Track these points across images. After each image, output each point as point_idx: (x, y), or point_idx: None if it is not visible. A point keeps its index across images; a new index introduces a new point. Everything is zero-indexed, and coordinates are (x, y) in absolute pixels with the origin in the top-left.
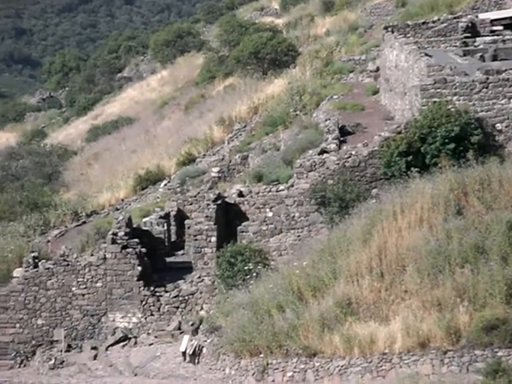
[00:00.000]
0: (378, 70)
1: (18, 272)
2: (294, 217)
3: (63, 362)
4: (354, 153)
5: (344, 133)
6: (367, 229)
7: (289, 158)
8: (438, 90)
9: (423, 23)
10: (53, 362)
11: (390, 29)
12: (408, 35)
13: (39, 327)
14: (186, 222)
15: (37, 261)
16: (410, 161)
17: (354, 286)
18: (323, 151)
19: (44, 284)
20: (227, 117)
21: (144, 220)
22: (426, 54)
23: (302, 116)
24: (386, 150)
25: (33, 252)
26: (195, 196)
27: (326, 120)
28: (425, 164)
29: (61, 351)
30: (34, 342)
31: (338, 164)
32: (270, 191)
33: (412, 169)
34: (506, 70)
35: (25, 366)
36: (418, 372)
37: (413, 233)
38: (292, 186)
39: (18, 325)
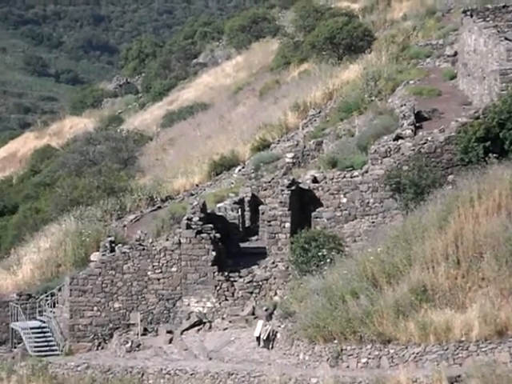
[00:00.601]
0: (455, 54)
1: (95, 256)
2: (368, 203)
3: (139, 345)
4: (429, 139)
5: (420, 118)
6: (443, 215)
7: (363, 144)
8: None
9: (503, 7)
10: (129, 344)
11: (468, 12)
12: (487, 19)
13: (116, 310)
14: (260, 207)
15: (113, 245)
16: (488, 146)
17: (430, 273)
18: (398, 137)
19: (120, 268)
20: (302, 102)
21: (218, 205)
22: (506, 38)
23: (377, 102)
24: (463, 136)
25: (109, 236)
26: (269, 182)
27: (401, 105)
28: (503, 150)
29: (137, 334)
30: (111, 325)
31: (413, 150)
32: (344, 177)
33: (490, 155)
34: None
35: (102, 348)
36: (495, 360)
37: (490, 219)
38: (366, 171)
39: (95, 308)
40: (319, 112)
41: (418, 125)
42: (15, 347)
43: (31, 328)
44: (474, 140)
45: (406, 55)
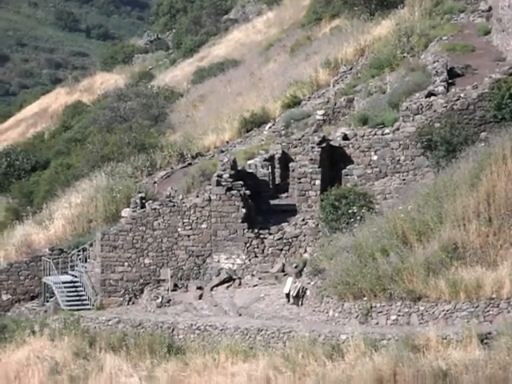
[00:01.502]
0: (490, 9)
1: (125, 212)
2: (399, 160)
3: (170, 300)
4: (462, 95)
5: (453, 75)
6: (475, 173)
7: (395, 101)
8: None
9: None
10: (160, 300)
11: None
12: None
13: (147, 266)
14: (291, 164)
15: (144, 201)
16: None
17: (461, 231)
18: (430, 94)
19: (151, 224)
20: (333, 59)
21: (249, 162)
22: None
23: (410, 58)
24: (496, 93)
25: (140, 192)
26: (300, 139)
27: (434, 62)
28: None
29: (167, 290)
30: (141, 281)
31: (445, 107)
32: (375, 134)
33: None
34: None
35: (133, 303)
36: None
37: None
38: (398, 129)
39: (126, 263)
40: (350, 69)
41: (450, 81)
42: (47, 301)
43: (63, 282)
44: (508, 96)
45: (440, 10)
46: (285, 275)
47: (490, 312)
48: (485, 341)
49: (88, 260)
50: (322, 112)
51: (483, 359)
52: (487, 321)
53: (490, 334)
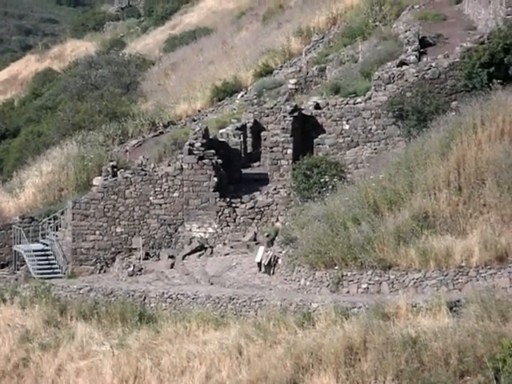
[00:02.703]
0: None
1: (97, 180)
2: (370, 129)
3: (141, 269)
4: (434, 64)
5: (424, 44)
6: (446, 142)
7: (367, 70)
8: None
9: None
10: (131, 268)
11: None
12: None
13: (118, 235)
14: (263, 133)
15: (115, 170)
16: (493, 72)
17: (431, 200)
18: (402, 63)
19: (122, 193)
20: (305, 28)
21: (220, 131)
22: None
23: (382, 27)
24: (467, 62)
25: (111, 161)
26: (272, 108)
27: (406, 31)
28: (508, 75)
29: (139, 259)
30: (113, 249)
31: (417, 76)
32: (347, 103)
33: (494, 80)
34: None
35: (104, 272)
36: (495, 285)
37: (493, 146)
38: (369, 98)
39: (97, 232)
40: (322, 37)
41: (422, 50)
42: (18, 269)
43: (34, 251)
44: (479, 66)
45: None
46: (256, 244)
47: (460, 280)
48: (454, 308)
49: (59, 228)
50: (294, 81)
51: (452, 327)
52: (456, 289)
53: (459, 301)
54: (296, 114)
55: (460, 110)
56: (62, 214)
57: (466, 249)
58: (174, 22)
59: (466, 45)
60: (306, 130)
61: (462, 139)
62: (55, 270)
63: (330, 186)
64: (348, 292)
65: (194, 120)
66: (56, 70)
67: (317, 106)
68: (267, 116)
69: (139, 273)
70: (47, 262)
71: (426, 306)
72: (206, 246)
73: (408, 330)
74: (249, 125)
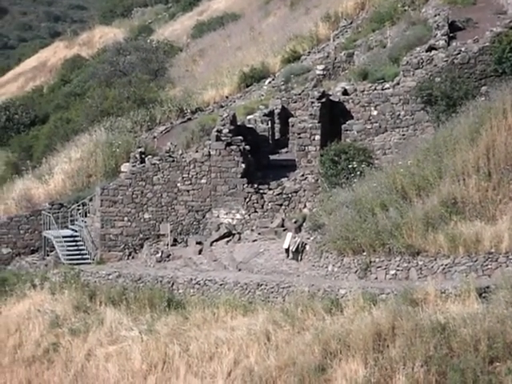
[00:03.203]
0: None
1: (125, 167)
2: (399, 115)
3: (169, 255)
4: (463, 49)
5: (454, 28)
6: (475, 127)
7: (395, 56)
8: None
9: None
10: (159, 255)
11: None
12: None
13: (146, 221)
14: (290, 119)
15: (143, 156)
16: None
17: (460, 186)
18: (431, 48)
19: (150, 179)
20: (333, 13)
21: (248, 117)
22: None
23: (411, 11)
24: (497, 46)
25: (139, 147)
26: (299, 94)
27: (435, 15)
28: None
29: (167, 245)
30: (141, 236)
31: (446, 61)
32: (375, 89)
33: None
34: None
35: (133, 257)
36: None
37: None
38: (398, 83)
39: (126, 218)
40: (351, 23)
41: (451, 35)
42: (48, 255)
43: (63, 236)
44: (509, 50)
45: None
46: (284, 230)
47: (489, 266)
48: (483, 295)
49: (88, 215)
50: (321, 67)
51: (481, 313)
52: (485, 275)
53: (488, 287)
54: (324, 99)
55: (490, 95)
56: (91, 200)
57: (495, 235)
58: (202, 8)
59: (496, 29)
60: (333, 116)
61: (491, 124)
62: (84, 256)
63: (358, 172)
64: (376, 278)
65: (222, 106)
66: (84, 56)
67: (345, 92)
68: (295, 102)
69: (167, 259)
70: (76, 247)
71: (455, 292)
72: (233, 232)
73: (437, 316)
74: (276, 111)
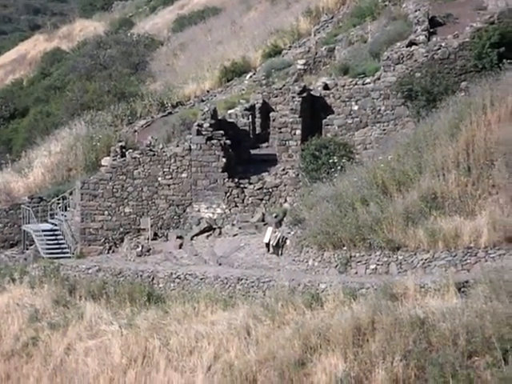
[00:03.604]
0: None
1: (105, 161)
2: (379, 110)
3: (150, 249)
4: (443, 44)
5: (434, 24)
6: (455, 122)
7: (376, 51)
8: None
9: None
10: (140, 249)
11: None
12: None
13: (127, 215)
14: (271, 114)
15: (124, 150)
16: (503, 52)
17: (440, 181)
18: (412, 43)
19: (131, 173)
20: (314, 8)
21: (229, 112)
22: None
23: (391, 7)
24: (477, 42)
25: (120, 141)
26: (281, 88)
27: (415, 11)
28: None
29: (147, 239)
30: (121, 230)
31: (426, 56)
32: (355, 84)
33: (504, 61)
34: None
35: (113, 252)
36: (503, 266)
37: (503, 126)
38: (379, 78)
39: (106, 212)
40: (332, 18)
41: (431, 30)
42: (27, 249)
43: (43, 230)
44: (489, 46)
45: None
46: (265, 225)
47: (468, 261)
48: (462, 289)
49: (68, 208)
50: (302, 61)
51: (460, 307)
52: (465, 269)
53: (467, 282)
54: (305, 94)
55: (470, 91)
56: (71, 194)
57: (474, 229)
58: (183, 1)
59: (476, 25)
60: (314, 110)
61: (471, 120)
62: (64, 250)
63: (339, 167)
64: (356, 273)
65: (203, 100)
66: (65, 49)
67: (325, 87)
68: (276, 97)
69: (147, 253)
70: (56, 241)
71: (435, 287)
72: (214, 226)
73: (416, 311)
74: (257, 105)
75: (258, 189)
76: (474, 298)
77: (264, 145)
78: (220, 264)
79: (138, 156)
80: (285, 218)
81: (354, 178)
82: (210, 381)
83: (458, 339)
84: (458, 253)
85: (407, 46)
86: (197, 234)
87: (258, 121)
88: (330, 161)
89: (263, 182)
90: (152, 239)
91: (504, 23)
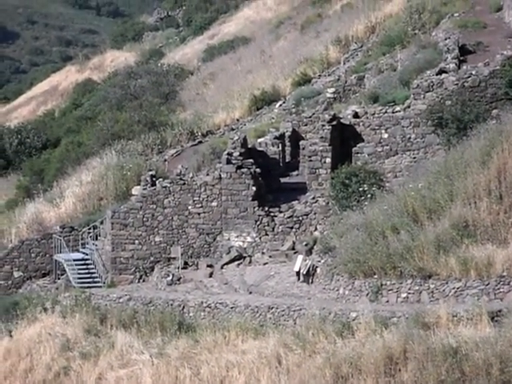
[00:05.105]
0: None
1: (136, 190)
2: (409, 138)
3: (180, 278)
4: (474, 72)
5: (464, 52)
6: (486, 150)
7: (406, 79)
8: None
9: None
10: (170, 278)
11: None
12: None
13: (157, 244)
14: (301, 142)
15: (154, 179)
16: None
17: (471, 209)
18: (442, 71)
19: (161, 202)
20: (344, 36)
21: (259, 140)
22: None
23: (421, 35)
24: (508, 70)
25: (150, 170)
26: (310, 117)
27: (445, 39)
28: None
29: (178, 268)
30: (152, 259)
31: (456, 84)
32: (385, 112)
33: None
34: None
35: (144, 281)
36: None
37: None
38: (408, 106)
39: (136, 241)
40: (361, 46)
41: (462, 58)
42: (59, 278)
43: (74, 260)
44: None
45: None
46: (295, 253)
47: (501, 289)
48: (495, 318)
49: (98, 238)
50: (332, 90)
51: (493, 336)
52: (497, 298)
53: (500, 311)
54: (334, 122)
55: (501, 118)
56: (102, 223)
57: (507, 258)
58: (213, 31)
59: (507, 52)
60: (344, 138)
61: (502, 147)
62: (95, 279)
63: (369, 195)
64: (387, 301)
65: (233, 129)
66: (96, 80)
67: (355, 115)
68: (306, 125)
69: (178, 282)
70: (87, 271)
71: (467, 316)
72: (244, 255)
73: (449, 340)
74: (287, 134)
75: (288, 217)
76: (507, 328)
77: (294, 173)
78: (250, 292)
79: (168, 185)
80: (315, 247)
81: (384, 206)
82: None
83: (491, 369)
84: (491, 281)
85: (437, 74)
86: (227, 263)
87: (287, 149)
88: (360, 189)
89: (293, 210)
90: (182, 268)
91: None
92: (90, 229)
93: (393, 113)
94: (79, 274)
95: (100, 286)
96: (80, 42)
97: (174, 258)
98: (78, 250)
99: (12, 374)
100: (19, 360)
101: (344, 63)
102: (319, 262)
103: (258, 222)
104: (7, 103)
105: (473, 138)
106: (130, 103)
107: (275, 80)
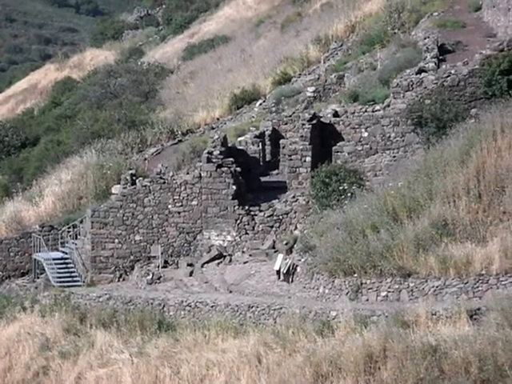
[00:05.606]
0: None
1: (116, 189)
2: (389, 137)
3: (160, 277)
4: (453, 72)
5: (443, 51)
6: (465, 149)
7: (385, 78)
8: None
9: None
10: (150, 277)
11: None
12: None
13: (137, 243)
14: (281, 141)
15: (134, 178)
16: None
17: (451, 207)
18: (421, 70)
19: (141, 201)
20: (324, 35)
21: (239, 139)
22: None
23: (400, 34)
24: (487, 69)
25: (130, 169)
26: (290, 115)
27: (424, 38)
28: None
29: (158, 267)
30: (132, 258)
31: (436, 83)
32: (365, 111)
33: None
34: None
35: (124, 280)
36: None
37: None
38: (388, 105)
39: (116, 240)
40: (341, 45)
41: (441, 58)
42: (38, 277)
43: (54, 259)
44: (498, 73)
45: None
46: (275, 252)
47: (480, 288)
48: (474, 316)
49: (78, 237)
50: (312, 89)
51: (472, 335)
52: (476, 297)
53: (479, 309)
54: (314, 121)
55: (480, 118)
56: (81, 222)
57: (486, 256)
58: (193, 30)
59: (486, 52)
60: (324, 137)
61: (481, 146)
62: (74, 279)
63: (349, 194)
64: (367, 300)
65: (213, 128)
66: (75, 78)
67: (335, 114)
68: (286, 124)
69: (158, 281)
70: (67, 270)
71: (446, 314)
72: (224, 254)
73: (428, 338)
74: (267, 133)
75: (269, 216)
76: (486, 326)
77: (274, 172)
78: (230, 291)
79: (149, 184)
80: (295, 245)
81: (364, 204)
82: None
83: (470, 367)
84: (470, 280)
85: (417, 73)
86: (207, 262)
87: (267, 148)
88: (340, 188)
89: (273, 209)
90: (162, 267)
91: None
92: (69, 228)
93: (373, 112)
94: (59, 273)
95: (80, 285)
96: (59, 41)
97: (154, 257)
98: (57, 249)
99: None
100: None
101: (324, 62)
102: (299, 260)
103: (239, 221)
104: None
105: (452, 137)
106: (110, 102)
107: (255, 79)
